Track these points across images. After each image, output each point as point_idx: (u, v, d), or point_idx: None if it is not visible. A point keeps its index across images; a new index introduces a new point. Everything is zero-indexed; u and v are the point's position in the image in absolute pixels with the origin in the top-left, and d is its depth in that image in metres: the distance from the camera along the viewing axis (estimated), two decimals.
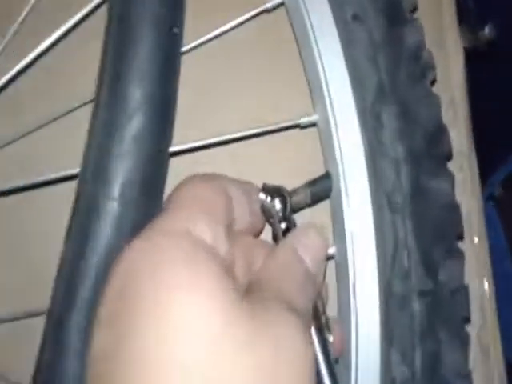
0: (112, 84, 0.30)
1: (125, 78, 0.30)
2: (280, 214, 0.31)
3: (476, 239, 0.36)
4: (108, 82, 0.30)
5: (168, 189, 0.32)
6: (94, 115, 0.31)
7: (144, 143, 0.30)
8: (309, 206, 0.34)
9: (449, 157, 0.33)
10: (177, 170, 0.33)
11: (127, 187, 0.30)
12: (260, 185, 0.31)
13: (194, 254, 0.22)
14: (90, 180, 0.31)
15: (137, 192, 0.30)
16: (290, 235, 0.29)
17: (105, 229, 0.30)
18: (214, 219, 0.24)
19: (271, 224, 0.31)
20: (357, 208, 0.32)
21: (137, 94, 0.30)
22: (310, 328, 0.26)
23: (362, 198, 0.32)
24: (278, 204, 0.31)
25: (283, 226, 0.31)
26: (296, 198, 0.32)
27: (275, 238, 0.31)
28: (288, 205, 0.31)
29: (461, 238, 0.33)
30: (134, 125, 0.30)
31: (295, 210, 0.32)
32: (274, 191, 0.31)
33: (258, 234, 0.31)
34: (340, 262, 0.33)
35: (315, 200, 0.34)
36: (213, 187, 0.26)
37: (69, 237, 0.31)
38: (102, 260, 0.30)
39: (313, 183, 0.33)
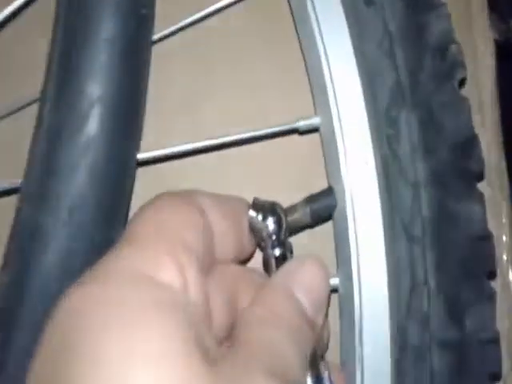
0: (61, 79, 0.25)
1: (77, 71, 0.25)
2: (273, 238, 0.26)
3: (511, 276, 0.31)
4: (56, 76, 0.25)
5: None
6: (40, 117, 0.25)
7: (100, 152, 0.25)
8: (309, 227, 0.29)
9: (480, 175, 0.27)
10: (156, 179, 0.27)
11: (78, 208, 0.25)
12: (250, 199, 0.27)
13: (149, 311, 0.19)
14: (33, 197, 0.25)
15: (90, 214, 0.25)
16: (282, 269, 0.25)
17: (49, 261, 0.25)
18: (183, 256, 0.20)
19: (262, 249, 0.27)
20: (365, 235, 0.28)
21: (92, 90, 0.24)
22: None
23: (372, 224, 0.27)
24: (271, 224, 0.26)
25: (277, 252, 0.26)
26: (293, 217, 0.28)
27: (266, 267, 0.27)
28: (283, 226, 0.26)
29: (493, 275, 0.27)
30: (88, 129, 0.24)
31: (292, 232, 0.28)
32: (266, 208, 0.26)
33: (246, 259, 0.27)
34: (344, 297, 0.29)
35: (316, 220, 0.29)
36: (185, 211, 0.22)
37: (6, 265, 0.26)
38: (45, 300, 0.25)
39: (314, 199, 0.29)
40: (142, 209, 0.22)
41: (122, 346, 0.17)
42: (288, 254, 0.26)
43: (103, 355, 0.17)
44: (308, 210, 0.28)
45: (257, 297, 0.23)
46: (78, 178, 0.25)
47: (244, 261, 0.27)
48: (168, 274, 0.20)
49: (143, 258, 0.20)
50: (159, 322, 0.18)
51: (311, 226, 0.29)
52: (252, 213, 0.26)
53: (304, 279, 0.24)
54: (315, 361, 0.24)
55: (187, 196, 0.23)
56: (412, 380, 0.26)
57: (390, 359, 0.27)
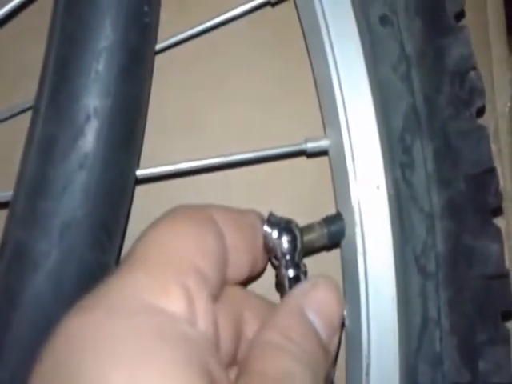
0: (56, 88, 0.24)
1: (73, 80, 0.24)
2: (287, 257, 0.26)
3: None
4: (51, 85, 0.24)
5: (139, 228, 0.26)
6: (32, 128, 0.24)
7: (96, 169, 0.24)
8: (325, 248, 0.29)
9: (497, 210, 0.27)
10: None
11: (71, 228, 0.24)
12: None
13: (153, 342, 0.18)
14: (22, 215, 0.24)
15: (84, 235, 0.24)
16: (295, 291, 0.24)
17: (38, 284, 0.24)
18: (193, 284, 0.20)
19: (275, 267, 0.26)
20: (375, 267, 0.27)
21: (88, 102, 0.23)
22: None
23: (383, 257, 0.27)
24: (285, 243, 0.26)
25: (291, 273, 0.26)
26: (309, 238, 0.27)
27: (279, 287, 0.26)
28: (298, 246, 0.26)
29: (509, 316, 0.27)
30: (83, 143, 0.23)
31: (307, 253, 0.27)
32: (282, 225, 0.26)
33: (258, 275, 0.27)
34: (351, 331, 0.28)
35: (333, 242, 0.28)
36: (199, 232, 0.22)
37: None
38: (34, 325, 0.24)
39: (331, 220, 0.28)
40: (152, 227, 0.21)
41: (122, 378, 0.17)
42: (302, 276, 0.26)
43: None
44: (325, 231, 0.28)
45: (270, 319, 0.23)
46: (71, 196, 0.24)
47: (255, 277, 0.26)
48: (175, 304, 0.19)
49: (149, 286, 0.19)
50: (162, 353, 0.18)
51: (327, 248, 0.29)
52: (267, 228, 0.25)
53: (318, 302, 0.23)
54: None
55: (203, 213, 0.23)
56: None
57: None
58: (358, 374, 0.27)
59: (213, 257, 0.21)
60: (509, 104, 0.33)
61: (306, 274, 0.26)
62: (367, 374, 0.26)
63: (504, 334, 0.27)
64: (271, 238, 0.25)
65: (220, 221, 0.23)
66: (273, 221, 0.26)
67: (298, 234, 0.26)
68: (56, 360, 0.18)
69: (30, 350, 0.23)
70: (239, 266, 0.24)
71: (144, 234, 0.21)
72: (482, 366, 0.26)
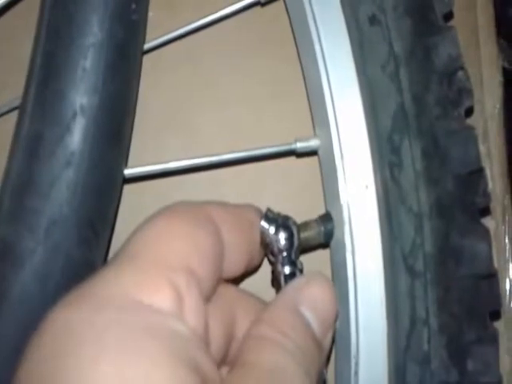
0: (42, 84, 0.24)
1: (59, 77, 0.24)
2: (284, 254, 0.26)
3: None
4: (37, 81, 0.24)
5: (127, 226, 0.26)
6: (19, 126, 0.24)
7: (82, 166, 0.24)
8: (321, 246, 0.29)
9: (486, 210, 0.27)
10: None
11: (57, 226, 0.24)
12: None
13: (138, 336, 0.18)
14: (7, 215, 0.24)
15: (71, 232, 0.24)
16: (289, 286, 0.24)
17: (24, 281, 0.24)
18: (183, 282, 0.20)
19: (271, 262, 0.27)
20: (363, 267, 0.27)
21: (75, 98, 0.24)
22: None
23: (371, 256, 0.27)
24: (282, 239, 0.26)
25: (287, 270, 0.26)
26: (305, 235, 0.27)
27: (274, 283, 0.27)
28: (295, 243, 0.26)
29: (497, 316, 0.27)
30: (70, 141, 0.24)
31: (303, 250, 0.28)
32: (279, 221, 0.26)
33: (254, 270, 0.27)
34: (340, 330, 0.28)
35: (329, 240, 0.29)
36: (195, 231, 0.22)
37: None
38: (19, 323, 0.24)
39: (328, 218, 0.29)
40: (147, 223, 0.21)
41: (109, 372, 0.17)
42: (298, 274, 0.26)
43: (92, 380, 0.17)
44: (322, 228, 0.28)
45: (263, 314, 0.23)
46: (58, 193, 0.24)
47: (251, 272, 0.26)
48: (162, 301, 0.19)
49: (136, 282, 0.19)
50: (149, 347, 0.18)
51: (324, 245, 0.29)
52: (264, 224, 0.26)
53: (312, 298, 0.24)
54: None
55: (200, 211, 0.23)
56: None
57: None
58: (347, 373, 0.27)
59: (207, 258, 0.22)
60: (498, 105, 0.34)
61: (301, 271, 0.26)
62: (356, 373, 0.27)
63: (492, 333, 0.27)
64: (268, 233, 0.26)
65: (217, 217, 0.23)
66: (270, 217, 0.26)
67: (295, 231, 0.26)
68: (42, 355, 0.18)
69: (15, 347, 0.23)
70: (235, 261, 0.24)
71: (138, 230, 0.21)
72: (470, 365, 0.26)
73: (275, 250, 0.26)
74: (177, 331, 0.19)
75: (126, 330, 0.18)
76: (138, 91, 0.27)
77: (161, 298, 0.19)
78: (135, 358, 0.17)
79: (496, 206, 0.33)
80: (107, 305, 0.19)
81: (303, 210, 0.28)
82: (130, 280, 0.19)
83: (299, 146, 0.30)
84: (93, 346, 0.18)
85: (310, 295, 0.24)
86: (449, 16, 0.30)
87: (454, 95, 0.28)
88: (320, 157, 0.30)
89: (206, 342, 0.21)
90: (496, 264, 0.32)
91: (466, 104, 0.28)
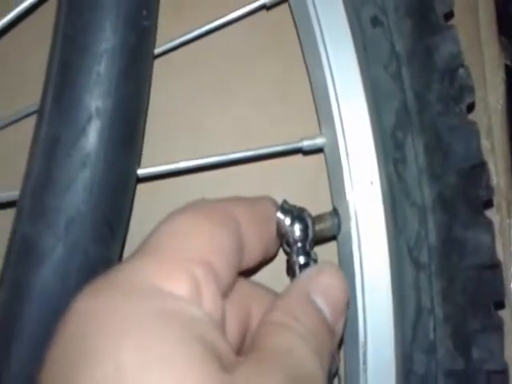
0: (59, 90, 0.26)
1: (75, 82, 0.26)
2: (299, 245, 0.27)
3: None
4: (54, 87, 0.26)
5: (141, 224, 0.28)
6: (37, 130, 0.26)
7: (98, 167, 0.26)
8: (335, 238, 0.31)
9: (488, 203, 0.28)
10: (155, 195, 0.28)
11: (75, 223, 0.26)
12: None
13: (159, 320, 0.19)
14: (29, 212, 0.26)
15: (88, 230, 0.26)
16: (302, 275, 0.26)
17: (45, 276, 0.26)
18: (202, 276, 0.21)
19: (287, 253, 0.28)
20: (370, 260, 0.29)
21: (90, 103, 0.25)
22: None
23: (377, 249, 0.29)
24: (297, 230, 0.27)
25: (301, 260, 0.27)
26: (320, 227, 0.29)
27: (289, 272, 0.28)
28: (310, 234, 0.28)
29: (501, 305, 0.28)
30: (85, 143, 0.25)
31: (318, 242, 0.29)
32: (294, 213, 0.27)
33: (270, 260, 0.28)
34: (348, 320, 0.29)
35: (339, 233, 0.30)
36: (218, 231, 0.23)
37: (1, 282, 0.27)
38: (41, 316, 0.26)
39: (335, 214, 0.30)
40: (169, 218, 0.23)
41: (133, 353, 0.18)
42: (312, 263, 0.28)
43: (121, 359, 0.18)
44: (336, 220, 0.29)
45: (277, 302, 0.24)
46: (75, 192, 0.26)
47: (267, 262, 0.28)
48: (182, 289, 0.20)
49: (158, 271, 0.21)
50: (170, 331, 0.19)
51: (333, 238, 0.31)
52: (280, 215, 0.27)
53: (324, 286, 0.25)
54: (329, 375, 0.24)
55: (221, 208, 0.24)
56: None
57: None
58: (356, 363, 0.28)
59: (226, 255, 0.23)
60: (501, 102, 0.35)
61: (316, 261, 0.28)
62: (364, 362, 0.28)
63: (497, 322, 0.28)
64: (284, 224, 0.27)
65: (237, 213, 0.24)
66: (286, 208, 0.27)
67: (309, 223, 0.28)
68: (68, 338, 0.19)
69: (38, 341, 0.25)
70: (253, 252, 0.25)
71: (160, 225, 0.22)
72: (475, 353, 0.28)
73: (290, 240, 0.27)
74: (195, 316, 0.20)
75: (146, 315, 0.19)
76: (149, 94, 0.29)
77: (180, 286, 0.20)
78: (156, 340, 0.19)
79: (501, 200, 0.34)
80: (129, 291, 0.20)
81: (310, 207, 0.30)
82: (151, 269, 0.21)
83: (306, 144, 0.31)
84: (116, 329, 0.19)
85: (321, 283, 0.25)
86: (449, 15, 0.31)
87: (456, 92, 0.29)
88: (326, 154, 0.31)
89: (222, 329, 0.22)
90: (502, 258, 0.34)
91: (468, 100, 0.30)
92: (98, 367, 0.18)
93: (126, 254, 0.29)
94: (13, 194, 0.27)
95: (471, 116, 0.30)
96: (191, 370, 0.18)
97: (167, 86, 0.34)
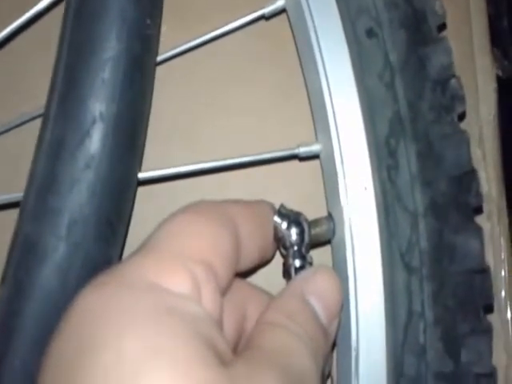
0: (64, 94, 0.27)
1: (80, 87, 0.27)
2: (295, 248, 0.28)
3: (509, 312, 0.33)
4: (59, 91, 0.27)
5: (140, 225, 0.29)
6: (42, 132, 0.28)
7: (101, 169, 0.27)
8: (329, 242, 0.32)
9: (478, 209, 0.30)
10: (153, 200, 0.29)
11: (78, 224, 0.27)
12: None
13: (159, 315, 0.20)
14: (32, 212, 0.27)
15: (90, 230, 0.27)
16: (297, 277, 0.27)
17: (46, 276, 0.27)
18: (201, 274, 0.22)
19: (283, 256, 0.29)
20: (363, 264, 0.30)
21: (94, 107, 0.27)
22: None
23: (370, 253, 0.30)
24: (294, 235, 0.28)
25: (297, 263, 0.29)
26: (316, 231, 0.30)
27: (285, 275, 0.29)
28: (306, 239, 0.29)
29: (490, 309, 0.30)
30: (89, 145, 0.26)
31: (314, 245, 0.30)
32: (291, 217, 0.29)
33: (267, 262, 0.29)
34: (341, 323, 0.30)
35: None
36: (217, 232, 0.24)
37: (4, 280, 0.28)
38: (42, 314, 0.27)
39: (330, 219, 0.31)
40: (170, 219, 0.24)
41: (133, 344, 0.19)
42: (307, 267, 0.29)
43: (122, 347, 0.19)
44: (332, 225, 0.31)
45: (272, 302, 0.25)
46: (78, 194, 0.27)
47: (263, 264, 0.29)
48: (181, 286, 0.21)
49: (158, 269, 0.22)
50: (171, 325, 0.20)
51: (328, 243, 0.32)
52: (277, 219, 0.28)
53: (318, 287, 0.26)
54: (323, 376, 0.25)
55: (220, 209, 0.25)
56: None
57: None
58: (348, 366, 0.29)
59: (225, 255, 0.24)
60: (493, 112, 0.36)
61: (311, 265, 0.29)
62: (356, 365, 0.29)
63: (485, 325, 0.29)
64: (281, 228, 0.28)
65: (235, 215, 0.25)
66: (283, 212, 0.28)
67: (306, 227, 0.29)
68: (71, 330, 0.20)
69: (39, 338, 0.26)
70: (250, 254, 0.26)
71: (162, 225, 0.23)
72: (464, 355, 0.29)
73: (287, 244, 0.28)
74: (195, 313, 0.21)
75: (148, 309, 0.20)
76: (151, 99, 0.30)
77: (180, 283, 0.21)
78: (158, 332, 0.20)
79: (492, 208, 0.35)
80: (131, 286, 0.21)
81: (305, 212, 0.31)
82: (152, 267, 0.22)
83: (302, 150, 0.32)
84: (118, 321, 0.20)
85: (316, 285, 0.26)
86: (442, 27, 0.32)
87: (447, 101, 0.31)
88: (321, 161, 0.33)
89: (220, 327, 0.23)
90: (492, 264, 0.35)
91: (459, 109, 0.31)
92: (99, 355, 0.19)
93: (125, 254, 0.30)
94: (17, 195, 0.28)
95: (464, 125, 0.32)
96: (192, 362, 0.19)
97: (166, 92, 0.35)
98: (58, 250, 0.26)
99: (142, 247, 0.23)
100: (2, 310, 0.27)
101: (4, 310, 0.26)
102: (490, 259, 0.34)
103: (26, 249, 0.27)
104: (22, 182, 0.28)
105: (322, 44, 0.31)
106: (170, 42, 0.33)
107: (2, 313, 0.27)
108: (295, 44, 0.34)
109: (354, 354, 0.29)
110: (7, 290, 0.26)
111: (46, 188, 0.27)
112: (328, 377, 0.27)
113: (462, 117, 0.32)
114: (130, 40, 0.27)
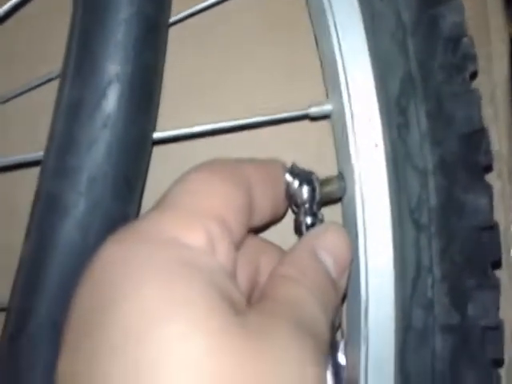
0: (80, 56, 0.28)
1: (95, 49, 0.28)
2: (306, 206, 0.29)
3: None
4: (76, 54, 0.28)
5: (156, 184, 0.30)
6: (60, 93, 0.28)
7: (117, 128, 0.28)
8: (341, 200, 0.32)
9: (488, 167, 0.30)
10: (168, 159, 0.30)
11: (96, 181, 0.28)
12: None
13: (175, 266, 0.21)
14: (53, 170, 0.28)
15: (108, 187, 0.28)
16: (308, 233, 0.28)
17: (68, 229, 0.28)
18: (216, 229, 0.23)
19: (295, 213, 0.30)
20: (373, 221, 0.30)
21: (110, 68, 0.27)
22: (325, 350, 0.24)
23: (380, 210, 0.30)
24: (305, 193, 0.29)
25: (308, 220, 0.29)
26: (327, 190, 0.31)
27: (297, 231, 0.30)
28: (317, 197, 0.30)
29: (498, 265, 0.30)
30: (106, 105, 0.27)
31: (324, 203, 0.31)
32: (302, 176, 0.29)
33: (279, 219, 0.30)
34: (350, 278, 0.31)
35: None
36: (230, 189, 0.25)
37: (28, 235, 0.29)
38: (66, 266, 0.28)
39: (341, 177, 0.32)
40: (186, 176, 0.25)
41: (151, 294, 0.20)
42: (318, 224, 0.30)
43: (145, 295, 0.20)
44: (342, 183, 0.31)
45: (285, 257, 0.26)
46: (96, 152, 0.28)
47: (275, 221, 0.30)
48: (197, 241, 0.22)
49: (174, 224, 0.22)
50: (187, 275, 0.21)
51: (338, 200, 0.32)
52: (289, 177, 0.29)
53: (329, 243, 0.27)
54: (333, 327, 0.27)
55: (235, 168, 0.26)
56: (414, 361, 0.29)
57: (393, 340, 0.29)
58: (357, 317, 0.30)
59: (239, 212, 0.25)
60: (505, 71, 0.36)
61: (322, 222, 0.30)
62: (366, 316, 0.30)
63: (493, 280, 0.30)
64: (292, 186, 0.29)
65: (249, 173, 0.26)
66: (295, 171, 0.29)
67: (317, 185, 0.30)
68: (95, 282, 0.21)
69: (62, 288, 0.27)
70: (262, 212, 0.27)
71: (178, 182, 0.24)
72: (470, 309, 0.29)
73: (298, 201, 0.29)
74: (209, 264, 0.22)
75: (164, 262, 0.21)
76: (164, 60, 0.31)
77: (196, 238, 0.22)
78: (173, 282, 0.21)
79: (502, 166, 0.36)
80: (149, 240, 0.22)
81: (317, 170, 0.31)
82: (169, 222, 0.23)
83: (313, 110, 0.33)
84: (141, 271, 0.21)
85: (326, 241, 0.27)
86: None
87: (459, 60, 0.31)
88: (333, 120, 0.33)
89: (234, 279, 0.24)
90: (503, 222, 0.35)
91: (471, 69, 0.31)
92: (119, 305, 0.20)
93: (142, 211, 0.31)
94: (38, 154, 0.29)
95: (476, 85, 0.32)
96: (208, 311, 0.20)
97: (180, 53, 0.35)
98: (78, 206, 0.28)
99: (158, 205, 0.24)
100: (27, 262, 0.28)
101: (30, 263, 0.28)
102: (500, 217, 0.35)
103: (48, 204, 0.28)
104: (43, 141, 0.29)
105: (333, 3, 0.32)
106: (182, 3, 0.33)
107: (28, 265, 0.28)
108: (307, 5, 0.34)
109: (363, 306, 0.30)
110: (32, 242, 0.28)
111: (65, 147, 0.28)
112: (338, 328, 0.29)
113: (473, 76, 0.32)
114: (143, 2, 0.28)
